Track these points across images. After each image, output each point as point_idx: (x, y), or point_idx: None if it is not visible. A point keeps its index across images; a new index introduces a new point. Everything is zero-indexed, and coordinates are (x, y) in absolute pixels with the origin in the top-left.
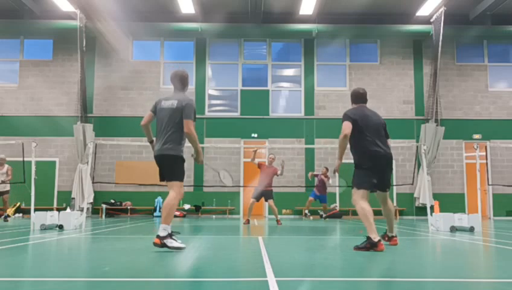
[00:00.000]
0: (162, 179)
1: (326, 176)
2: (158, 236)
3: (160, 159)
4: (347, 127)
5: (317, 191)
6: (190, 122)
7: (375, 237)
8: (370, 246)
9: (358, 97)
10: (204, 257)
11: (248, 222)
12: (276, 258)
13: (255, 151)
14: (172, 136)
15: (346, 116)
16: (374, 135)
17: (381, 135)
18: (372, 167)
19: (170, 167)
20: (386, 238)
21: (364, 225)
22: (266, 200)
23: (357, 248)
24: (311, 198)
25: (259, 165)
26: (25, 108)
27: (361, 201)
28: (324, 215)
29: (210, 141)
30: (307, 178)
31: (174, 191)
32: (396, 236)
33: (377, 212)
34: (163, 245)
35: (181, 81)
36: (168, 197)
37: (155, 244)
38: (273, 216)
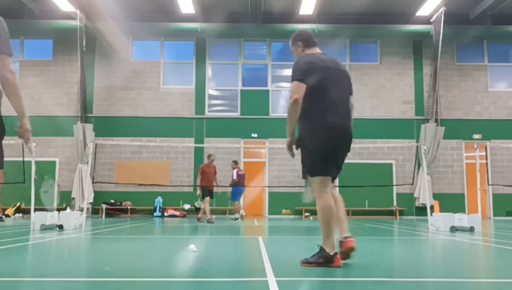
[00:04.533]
0: None
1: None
2: None
3: None
4: (300, 89)
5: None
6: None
7: (332, 250)
8: (324, 261)
9: (311, 39)
10: (204, 257)
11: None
12: (276, 258)
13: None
14: None
15: (299, 70)
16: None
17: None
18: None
19: None
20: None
21: (321, 230)
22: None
23: (306, 262)
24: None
25: (202, 169)
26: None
27: (325, 194)
28: (234, 217)
29: (210, 141)
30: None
31: None
32: (350, 237)
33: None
34: None
35: None
36: None
37: None
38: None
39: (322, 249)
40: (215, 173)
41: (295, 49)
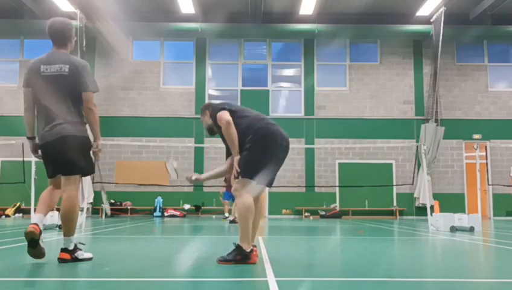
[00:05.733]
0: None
1: None
2: (66, 250)
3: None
4: (226, 114)
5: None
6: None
7: (248, 247)
8: (242, 258)
9: (210, 104)
10: (205, 257)
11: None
12: (276, 258)
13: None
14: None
15: (220, 105)
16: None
17: None
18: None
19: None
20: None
21: (240, 228)
22: None
23: (224, 260)
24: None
25: None
26: None
27: (249, 195)
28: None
29: (210, 141)
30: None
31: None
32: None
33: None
34: (75, 259)
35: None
36: (68, 200)
37: (63, 260)
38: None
39: (238, 247)
40: None
41: (203, 118)
